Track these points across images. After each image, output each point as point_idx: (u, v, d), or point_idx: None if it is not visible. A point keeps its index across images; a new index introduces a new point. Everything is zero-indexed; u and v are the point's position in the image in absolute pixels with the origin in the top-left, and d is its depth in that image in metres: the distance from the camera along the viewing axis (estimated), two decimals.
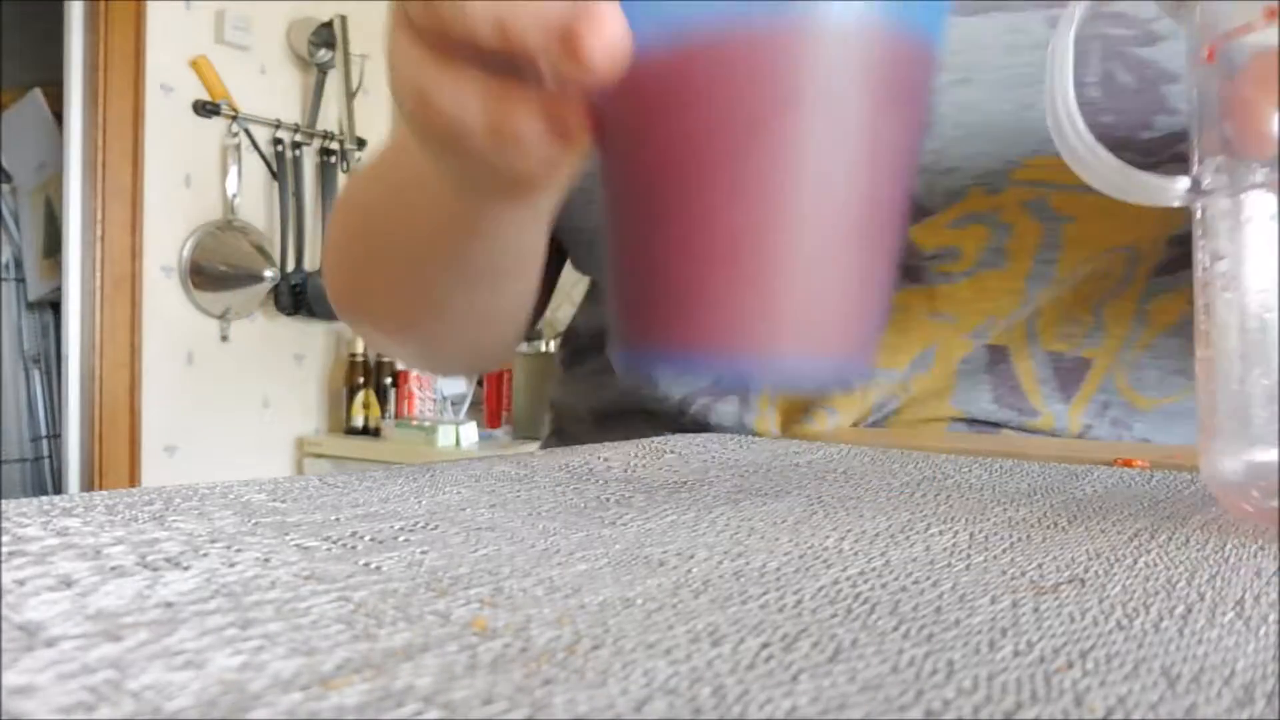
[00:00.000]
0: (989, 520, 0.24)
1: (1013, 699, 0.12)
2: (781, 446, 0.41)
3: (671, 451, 0.37)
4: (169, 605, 0.15)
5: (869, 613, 0.16)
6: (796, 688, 0.12)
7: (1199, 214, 0.25)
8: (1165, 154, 0.49)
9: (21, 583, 0.16)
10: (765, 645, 0.14)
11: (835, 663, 0.13)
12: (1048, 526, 0.24)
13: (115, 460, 2.21)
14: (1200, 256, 0.25)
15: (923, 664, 0.13)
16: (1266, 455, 0.23)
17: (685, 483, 0.29)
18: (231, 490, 0.25)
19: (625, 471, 0.32)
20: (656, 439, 0.41)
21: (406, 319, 0.52)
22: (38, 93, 2.62)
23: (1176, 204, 0.25)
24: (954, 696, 0.12)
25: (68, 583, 0.16)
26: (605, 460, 0.34)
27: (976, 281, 0.51)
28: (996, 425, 0.53)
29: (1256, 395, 0.23)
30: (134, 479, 2.21)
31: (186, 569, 0.17)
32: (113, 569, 0.17)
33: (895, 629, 0.15)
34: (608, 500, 0.26)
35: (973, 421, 0.53)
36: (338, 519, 0.22)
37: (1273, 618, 0.16)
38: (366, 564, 0.18)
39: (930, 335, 0.52)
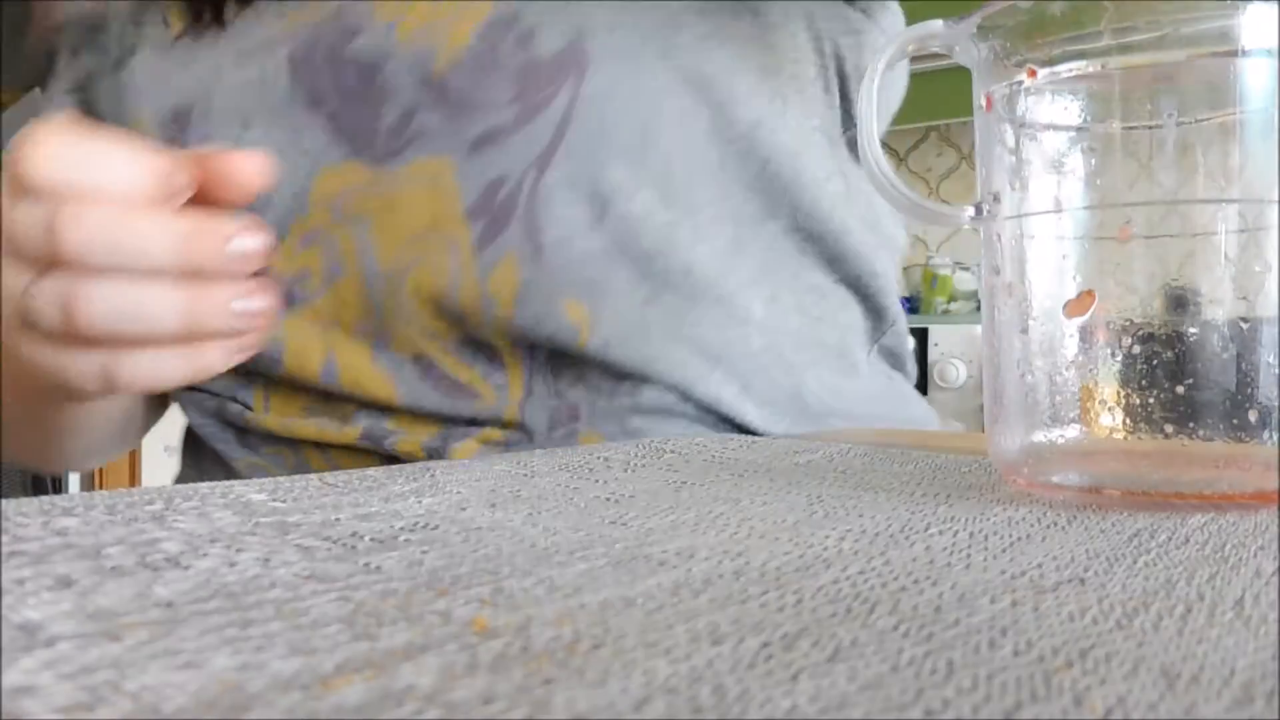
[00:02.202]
0: (989, 520, 0.24)
1: (1012, 698, 0.12)
2: (781, 446, 0.41)
3: (672, 451, 0.37)
4: (169, 605, 0.15)
5: (869, 612, 0.16)
6: (796, 687, 0.12)
7: (982, 234, 0.30)
8: (406, 135, 0.49)
9: (21, 582, 0.16)
10: (765, 645, 0.14)
11: (835, 662, 0.13)
12: (1047, 526, 0.24)
13: (115, 460, 2.21)
14: (985, 270, 0.29)
15: (923, 663, 0.13)
16: (1038, 437, 0.28)
17: (685, 483, 0.29)
18: (231, 490, 0.25)
19: (625, 471, 0.32)
20: (656, 439, 0.41)
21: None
22: (38, 92, 2.62)
23: (966, 227, 0.30)
24: (954, 696, 0.12)
25: (67, 582, 0.16)
26: (605, 460, 0.34)
27: (337, 294, 0.51)
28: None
29: (1029, 387, 0.28)
30: (134, 479, 2.21)
31: (186, 569, 0.17)
32: (112, 569, 0.17)
33: (895, 629, 0.15)
34: (608, 500, 0.26)
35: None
36: (338, 519, 0.22)
37: (1273, 618, 0.16)
38: (366, 564, 0.18)
39: (327, 343, 0.52)
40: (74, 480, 2.23)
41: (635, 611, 0.15)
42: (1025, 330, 0.28)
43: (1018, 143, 0.28)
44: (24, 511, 0.22)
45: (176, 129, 0.53)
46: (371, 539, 0.20)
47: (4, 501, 0.22)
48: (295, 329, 0.51)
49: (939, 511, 0.26)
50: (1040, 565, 0.19)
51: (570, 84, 0.48)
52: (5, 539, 0.19)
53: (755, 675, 0.13)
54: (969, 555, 0.20)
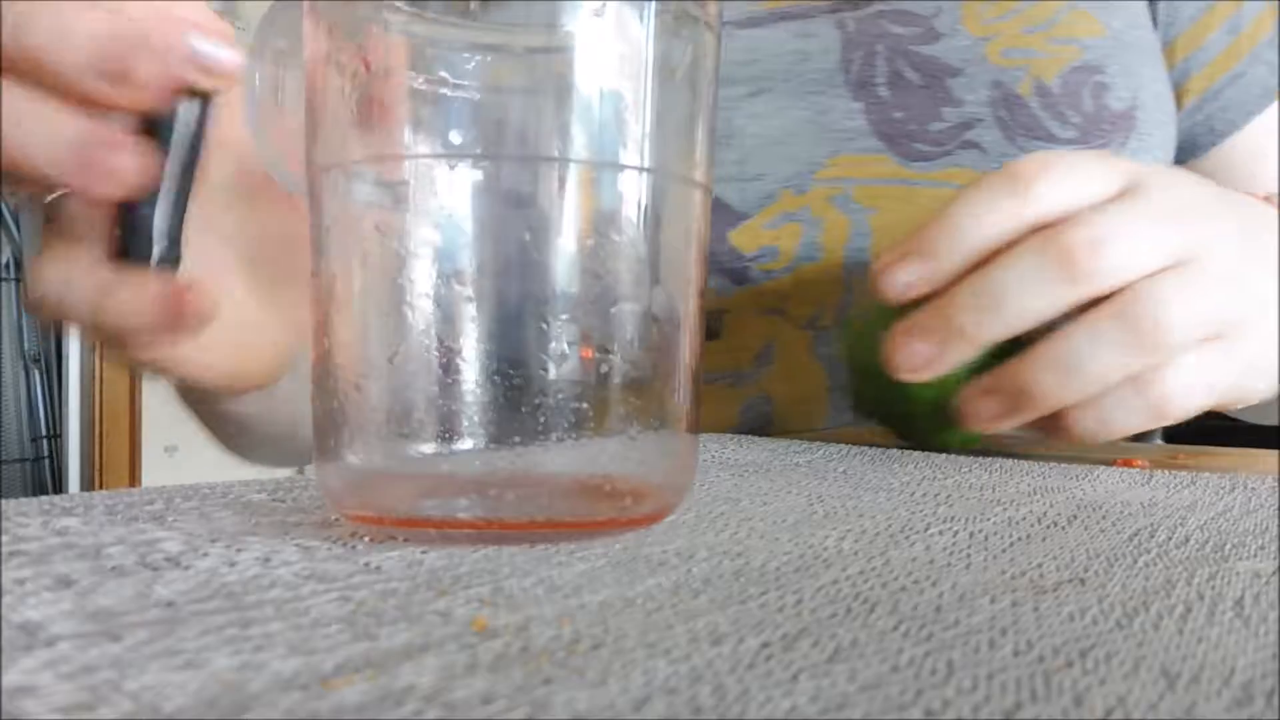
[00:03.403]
0: (989, 520, 0.24)
1: (1012, 698, 0.12)
2: (781, 446, 0.41)
3: None
4: (169, 605, 0.15)
5: (869, 612, 0.16)
6: (796, 687, 0.12)
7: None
8: (954, 143, 0.52)
9: (21, 582, 0.16)
10: (765, 645, 0.14)
11: (835, 662, 0.13)
12: (1048, 526, 0.24)
13: (115, 460, 2.21)
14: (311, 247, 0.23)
15: (923, 664, 0.13)
16: (359, 461, 0.21)
17: None
18: (231, 490, 0.25)
19: None
20: None
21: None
22: None
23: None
24: (954, 696, 0.12)
25: (67, 582, 0.16)
26: None
27: (797, 275, 0.54)
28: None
29: (346, 410, 0.21)
30: (134, 479, 2.21)
31: (186, 569, 0.17)
32: (112, 569, 0.17)
33: (895, 629, 0.15)
34: None
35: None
36: (338, 519, 0.22)
37: (1273, 617, 0.16)
38: (366, 564, 0.18)
39: (766, 330, 0.54)
40: (74, 481, 2.23)
41: (635, 611, 0.15)
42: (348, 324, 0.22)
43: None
44: (24, 511, 0.22)
45: None
46: (371, 539, 0.20)
47: (4, 501, 0.22)
48: (738, 307, 0.53)
49: (939, 511, 0.26)
50: (1040, 565, 0.19)
51: (1119, 138, 0.53)
52: (5, 539, 0.19)
53: (755, 675, 0.13)
54: (969, 555, 0.20)
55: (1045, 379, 0.33)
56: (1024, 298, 0.33)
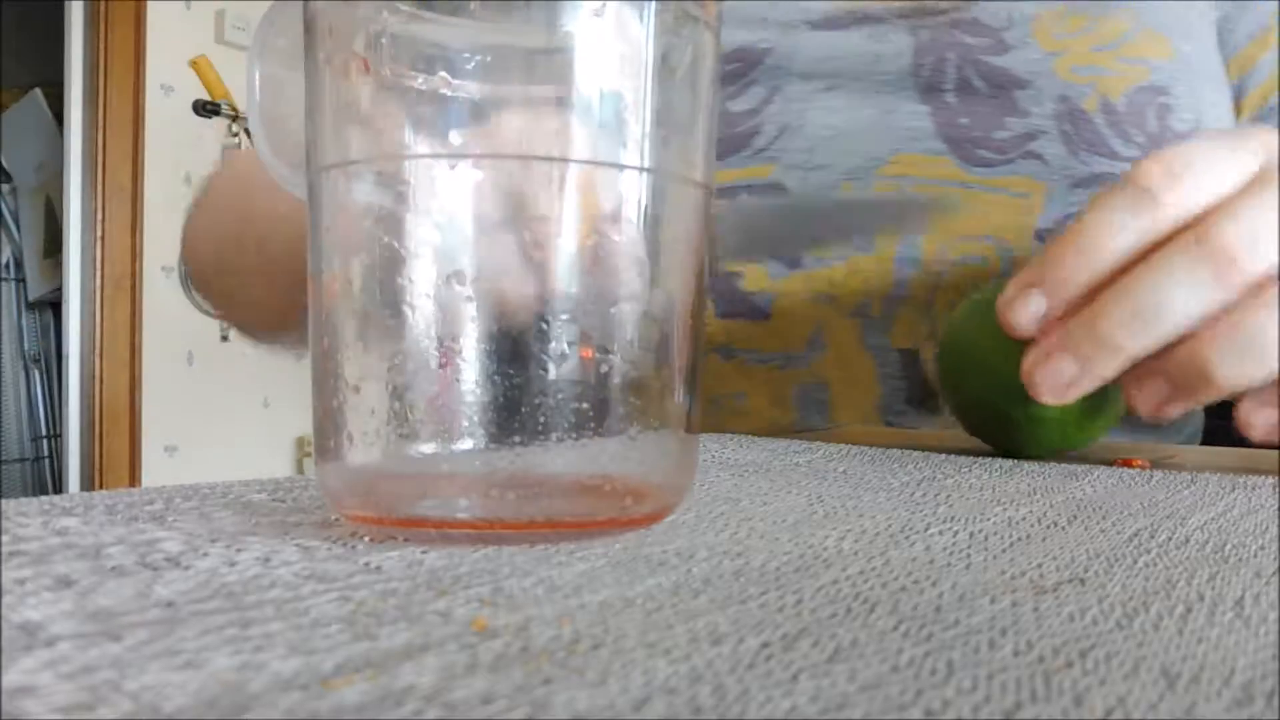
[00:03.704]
0: (989, 520, 0.24)
1: (1012, 699, 0.12)
2: (781, 446, 0.41)
3: None
4: (169, 605, 0.15)
5: (869, 613, 0.16)
6: (796, 687, 0.12)
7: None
8: (1016, 152, 0.53)
9: (21, 582, 0.16)
10: (765, 645, 0.14)
11: (835, 662, 0.13)
12: (1048, 526, 0.24)
13: (115, 460, 2.21)
14: (310, 244, 0.23)
15: (923, 664, 0.13)
16: (359, 461, 0.21)
17: None
18: (231, 490, 0.25)
19: None
20: None
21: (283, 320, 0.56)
22: (38, 93, 2.62)
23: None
24: (954, 696, 0.12)
25: (67, 582, 0.16)
26: None
27: (850, 264, 0.55)
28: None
29: (346, 410, 0.21)
30: (134, 479, 2.21)
31: (186, 569, 0.17)
32: (112, 569, 0.17)
33: (895, 629, 0.15)
34: None
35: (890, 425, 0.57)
36: (338, 519, 0.22)
37: (1273, 618, 0.16)
38: (366, 564, 0.18)
39: (815, 315, 0.56)
40: (74, 481, 2.23)
41: (635, 611, 0.15)
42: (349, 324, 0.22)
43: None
44: (24, 511, 0.22)
45: (740, 68, 0.58)
46: (371, 539, 0.20)
47: (4, 501, 0.22)
48: (789, 291, 0.55)
49: (939, 511, 0.26)
50: (1040, 565, 0.19)
51: None
52: (5, 539, 0.19)
53: (755, 675, 0.13)
54: (969, 555, 0.20)
55: (1227, 360, 0.31)
56: (1177, 303, 0.31)
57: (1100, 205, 0.33)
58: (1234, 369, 0.31)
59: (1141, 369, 0.33)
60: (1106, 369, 0.33)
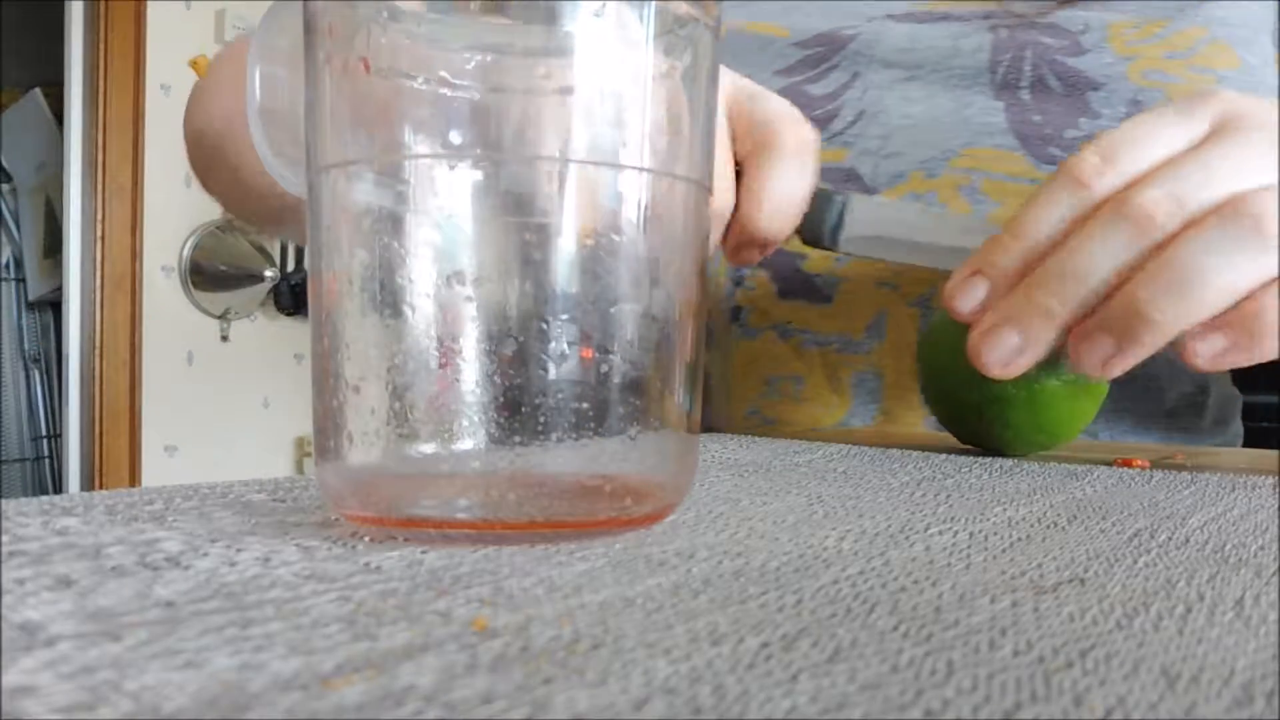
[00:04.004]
0: (989, 520, 0.24)
1: (1012, 699, 0.12)
2: (781, 446, 0.41)
3: None
4: (169, 605, 0.15)
5: (869, 613, 0.16)
6: (796, 687, 0.12)
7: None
8: None
9: (21, 582, 0.16)
10: (765, 645, 0.14)
11: (835, 662, 0.13)
12: (1048, 526, 0.24)
13: (115, 460, 2.21)
14: (310, 243, 0.23)
15: (922, 664, 0.13)
16: (359, 461, 0.21)
17: None
18: (231, 490, 0.25)
19: None
20: None
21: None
22: (38, 93, 2.62)
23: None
24: (954, 696, 0.12)
25: (67, 582, 0.16)
26: None
27: None
28: None
29: (346, 410, 0.21)
30: (134, 479, 2.21)
31: (186, 569, 0.17)
32: (112, 569, 0.17)
33: (895, 629, 0.15)
34: None
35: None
36: (338, 519, 0.22)
37: (1273, 618, 0.16)
38: (366, 564, 0.18)
39: (878, 301, 0.57)
40: (74, 481, 2.23)
41: (635, 611, 0.15)
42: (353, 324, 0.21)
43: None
44: (24, 511, 0.22)
45: (824, 52, 0.59)
46: (371, 539, 0.20)
47: (4, 501, 0.22)
48: (853, 276, 0.56)
49: (939, 511, 0.25)
50: (1040, 565, 0.19)
51: None
52: (5, 539, 0.19)
53: (755, 675, 0.13)
54: (969, 555, 0.20)
55: (1158, 297, 0.31)
56: (1098, 260, 0.32)
57: (1037, 194, 0.35)
58: (1167, 306, 0.31)
59: (1084, 327, 0.33)
60: (1045, 333, 0.33)
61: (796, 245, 0.57)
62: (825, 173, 0.56)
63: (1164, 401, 0.58)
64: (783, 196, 0.38)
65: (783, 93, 0.57)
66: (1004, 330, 0.34)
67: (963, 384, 0.40)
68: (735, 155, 0.39)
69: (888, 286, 0.56)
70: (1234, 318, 0.31)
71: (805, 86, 0.58)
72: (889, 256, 0.43)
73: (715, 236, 0.40)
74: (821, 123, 0.57)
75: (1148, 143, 0.34)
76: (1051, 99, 0.55)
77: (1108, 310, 0.32)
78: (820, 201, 0.41)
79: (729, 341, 0.60)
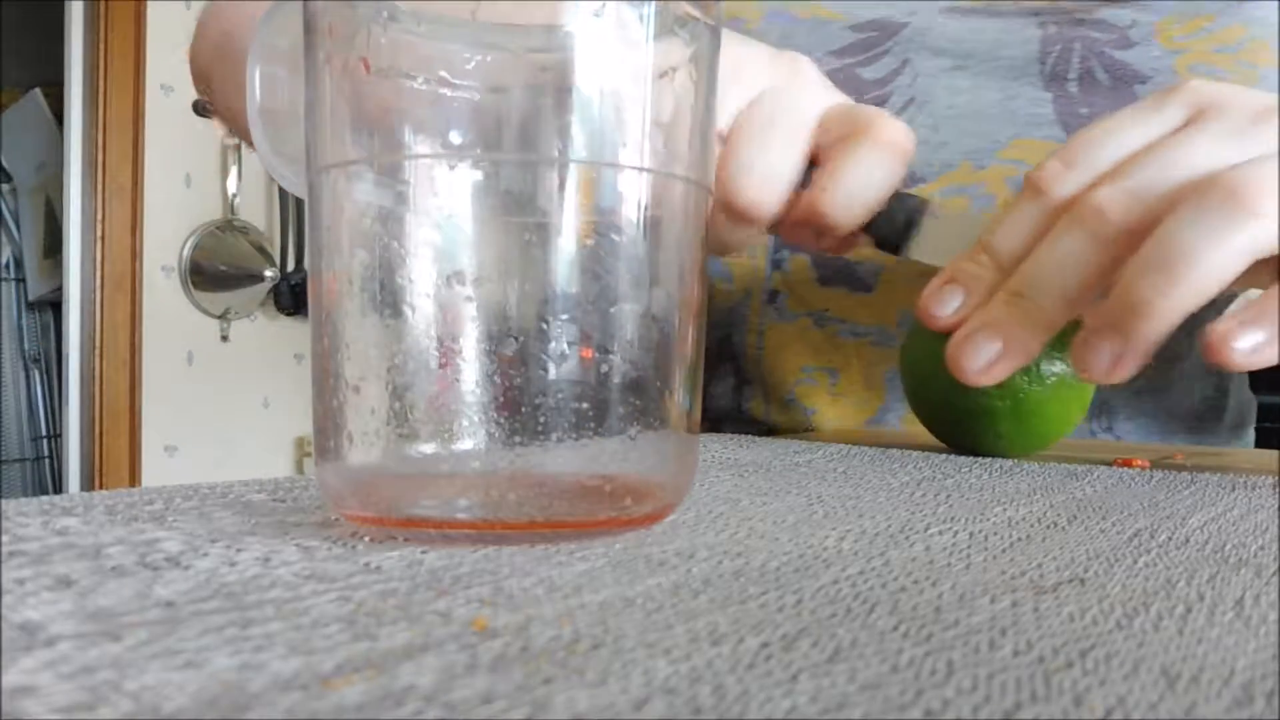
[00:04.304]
0: (989, 520, 0.24)
1: (1012, 699, 0.12)
2: (781, 446, 0.41)
3: None
4: (169, 605, 0.15)
5: (869, 613, 0.16)
6: (796, 687, 0.12)
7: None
8: None
9: (21, 582, 0.16)
10: (765, 645, 0.14)
11: (835, 662, 0.13)
12: (1048, 526, 0.24)
13: (115, 460, 2.21)
14: (309, 243, 0.23)
15: (922, 664, 0.13)
16: (359, 461, 0.21)
17: None
18: (231, 490, 0.25)
19: None
20: None
21: None
22: (38, 93, 2.62)
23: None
24: (954, 696, 0.12)
25: (67, 582, 0.16)
26: None
27: None
28: None
29: (346, 410, 0.21)
30: (134, 479, 2.21)
31: (186, 569, 0.17)
32: (112, 569, 0.17)
33: (895, 629, 0.15)
34: None
35: None
36: (338, 519, 0.22)
37: (1273, 618, 0.16)
38: (366, 564, 0.18)
39: (919, 292, 0.55)
40: (74, 481, 2.23)
41: (635, 611, 0.15)
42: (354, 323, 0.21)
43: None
44: (24, 511, 0.22)
45: (877, 37, 0.59)
46: (371, 539, 0.20)
47: (4, 501, 0.22)
48: (895, 265, 0.56)
49: (939, 511, 0.25)
50: (1040, 565, 0.19)
51: None
52: (5, 539, 0.19)
53: (755, 675, 0.13)
54: (969, 555, 0.20)
55: (1144, 281, 0.31)
56: (1064, 264, 0.32)
57: (1008, 206, 0.35)
58: (1157, 289, 0.30)
59: (1083, 334, 0.33)
60: (1022, 339, 0.33)
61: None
62: None
63: (1186, 405, 0.58)
64: (857, 184, 0.38)
65: (835, 74, 0.57)
66: (980, 336, 0.34)
67: (947, 394, 0.40)
68: (817, 147, 0.39)
69: (930, 279, 0.56)
70: (1267, 306, 0.30)
71: (857, 69, 0.57)
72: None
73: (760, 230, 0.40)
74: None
75: (1110, 142, 0.34)
76: (1099, 91, 0.55)
77: (1103, 310, 0.32)
78: (896, 203, 0.40)
79: (764, 324, 0.60)
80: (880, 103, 0.57)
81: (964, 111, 0.57)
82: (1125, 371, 0.32)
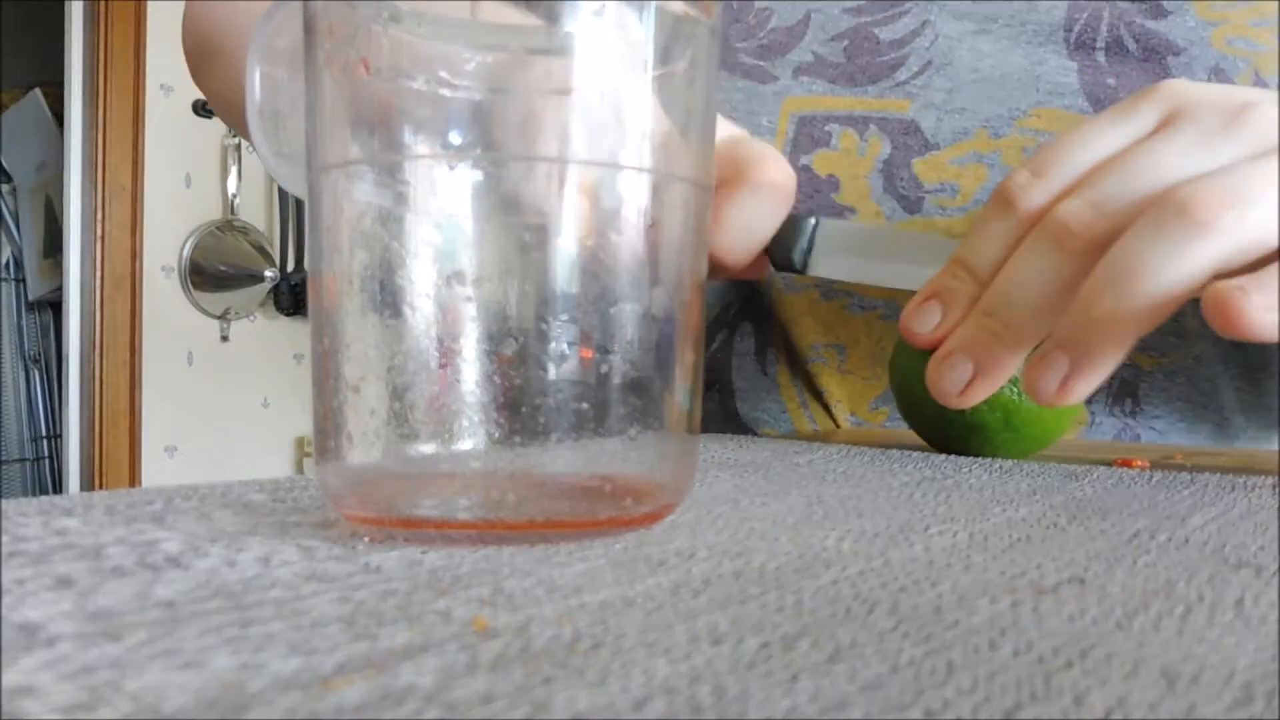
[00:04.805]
0: (989, 520, 0.24)
1: (1012, 699, 0.12)
2: (781, 446, 0.41)
3: None
4: (169, 605, 0.15)
5: (869, 613, 0.16)
6: (796, 687, 0.12)
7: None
8: None
9: (21, 582, 0.16)
10: (765, 645, 0.14)
11: (835, 663, 0.13)
12: (1048, 526, 0.24)
13: (115, 460, 2.21)
14: (309, 243, 0.23)
15: (922, 664, 0.13)
16: (359, 461, 0.21)
17: None
18: (231, 490, 0.25)
19: None
20: None
21: None
22: (38, 93, 2.62)
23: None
24: (953, 696, 0.12)
25: (67, 582, 0.16)
26: None
27: (971, 218, 0.55)
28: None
29: (346, 410, 0.21)
30: (134, 479, 2.21)
31: (186, 569, 0.17)
32: (112, 569, 0.17)
33: (895, 629, 0.15)
34: None
35: None
36: (338, 519, 0.22)
37: (1273, 618, 0.16)
38: (366, 564, 0.18)
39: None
40: (74, 481, 2.23)
41: (635, 611, 0.15)
42: (355, 323, 0.21)
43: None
44: (24, 511, 0.22)
45: (898, 5, 0.56)
46: (371, 539, 0.20)
47: (4, 501, 0.22)
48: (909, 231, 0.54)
49: (939, 512, 0.25)
50: (1040, 565, 0.19)
51: None
52: (5, 539, 0.19)
53: (755, 675, 0.13)
54: (969, 556, 0.20)
55: (1104, 301, 0.30)
56: (1029, 280, 0.32)
57: (973, 228, 0.35)
58: (1109, 306, 0.30)
59: (1039, 352, 0.32)
60: (996, 358, 0.33)
61: (849, 199, 0.55)
62: (885, 122, 0.55)
63: (1215, 404, 0.57)
64: (739, 229, 0.39)
65: (849, 33, 0.55)
66: (956, 359, 0.34)
67: (938, 409, 0.40)
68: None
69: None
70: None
71: (873, 29, 0.56)
72: (861, 279, 0.43)
73: None
74: (886, 69, 0.55)
75: (1080, 150, 0.34)
76: (1128, 62, 0.53)
77: (1058, 328, 0.32)
78: (791, 226, 0.42)
79: (770, 294, 0.59)
80: (896, 65, 0.55)
81: (987, 76, 0.55)
82: (1073, 396, 0.31)
